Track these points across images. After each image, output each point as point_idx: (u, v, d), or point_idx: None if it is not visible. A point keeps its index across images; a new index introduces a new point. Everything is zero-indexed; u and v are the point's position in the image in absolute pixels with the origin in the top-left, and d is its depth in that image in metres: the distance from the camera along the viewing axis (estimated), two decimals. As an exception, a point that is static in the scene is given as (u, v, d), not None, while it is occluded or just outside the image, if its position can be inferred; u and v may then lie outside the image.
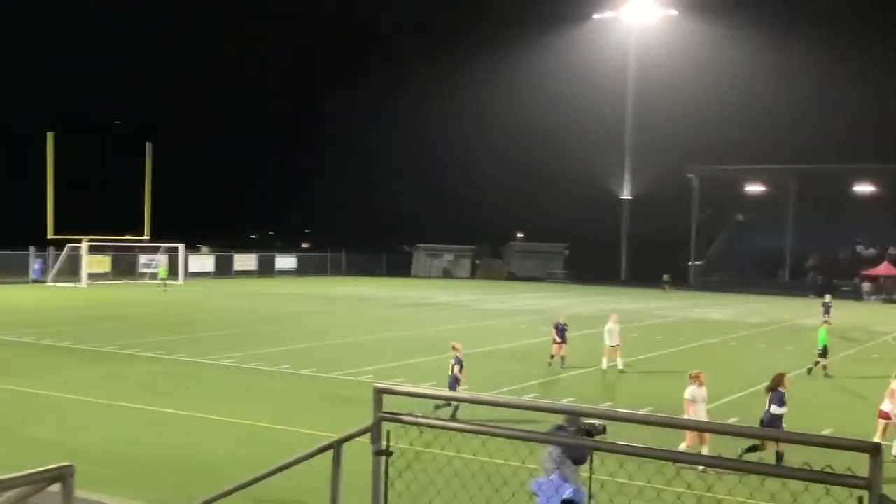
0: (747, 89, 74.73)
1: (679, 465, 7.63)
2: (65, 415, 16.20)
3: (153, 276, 57.40)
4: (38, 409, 16.63)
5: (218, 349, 25.01)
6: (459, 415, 15.24)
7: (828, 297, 38.26)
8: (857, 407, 19.27)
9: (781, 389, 13.75)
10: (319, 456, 5.96)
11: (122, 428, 15.14)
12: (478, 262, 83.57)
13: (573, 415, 6.52)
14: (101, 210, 70.82)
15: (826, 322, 25.13)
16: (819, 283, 64.75)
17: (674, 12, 74.74)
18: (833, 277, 65.00)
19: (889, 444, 14.18)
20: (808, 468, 3.92)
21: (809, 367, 23.88)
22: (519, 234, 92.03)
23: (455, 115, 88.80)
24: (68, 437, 14.31)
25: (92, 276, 54.94)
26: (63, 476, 4.58)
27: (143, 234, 56.89)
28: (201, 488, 9.54)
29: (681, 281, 71.10)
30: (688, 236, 75.83)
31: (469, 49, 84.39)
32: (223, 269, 67.01)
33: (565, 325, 23.86)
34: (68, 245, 54.89)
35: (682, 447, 13.11)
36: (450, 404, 15.24)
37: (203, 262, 66.74)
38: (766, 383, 14.16)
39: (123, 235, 58.48)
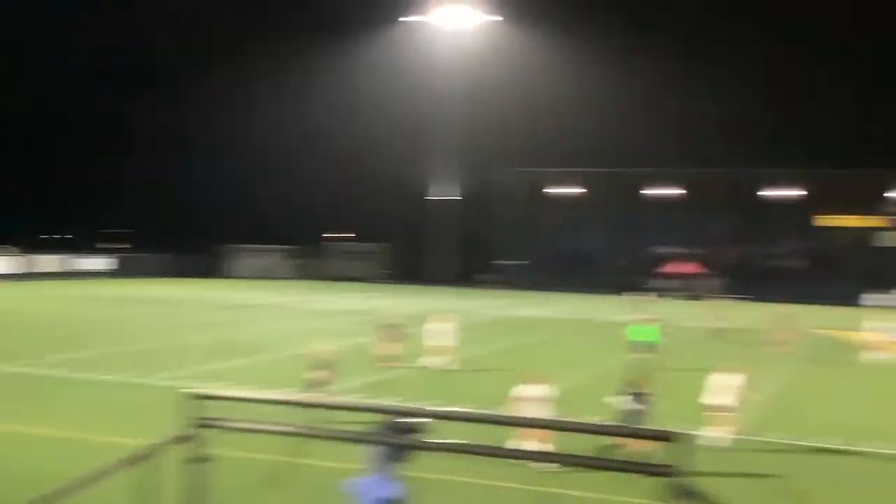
0: (565, 94, 77.53)
1: (532, 463, 7.71)
2: None
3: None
4: None
5: (12, 356, 23.37)
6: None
7: (648, 295, 40.38)
8: (685, 399, 20.36)
9: (642, 389, 14.25)
10: (132, 466, 5.69)
11: None
12: (299, 262, 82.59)
13: (397, 414, 6.58)
14: None
15: (649, 320, 26.00)
16: (626, 281, 68.53)
17: (498, 18, 76.32)
18: (638, 276, 68.81)
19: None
20: (615, 459, 4.13)
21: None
22: (341, 234, 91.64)
23: (279, 116, 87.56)
24: None
25: None
26: None
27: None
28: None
29: (499, 281, 73.28)
30: (505, 236, 78.23)
31: (291, 49, 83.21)
32: (28, 270, 63.02)
33: (394, 324, 24.01)
34: None
35: (525, 446, 13.29)
36: None
37: (7, 263, 62.46)
38: (625, 380, 14.55)
39: None
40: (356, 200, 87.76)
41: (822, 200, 73.40)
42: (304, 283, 71.04)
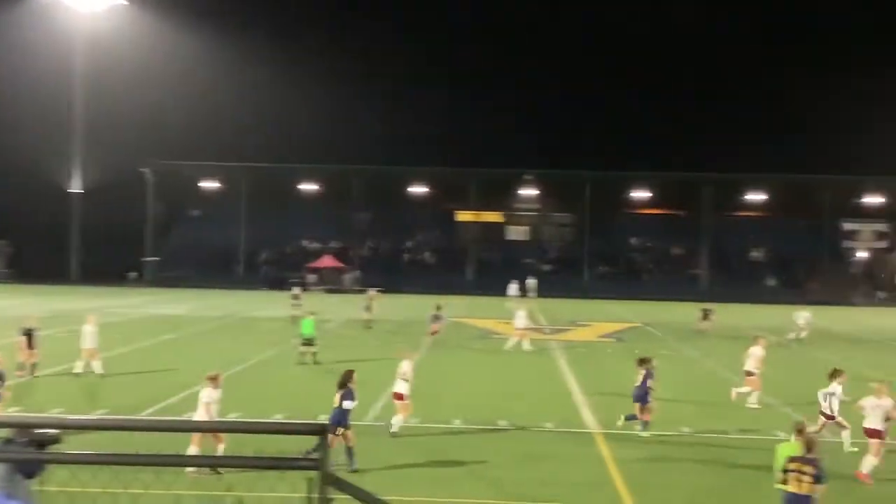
0: (203, 87, 75.36)
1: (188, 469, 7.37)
2: None
3: None
4: None
5: None
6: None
7: (297, 290, 40.58)
8: (361, 390, 20.28)
9: (351, 385, 14.14)
10: None
11: None
12: None
13: (24, 426, 6.06)
14: None
15: (309, 313, 26.45)
16: (271, 276, 68.90)
17: (123, 2, 71.72)
18: (283, 270, 69.22)
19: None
20: (264, 457, 4.13)
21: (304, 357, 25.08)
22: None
23: None
24: None
25: None
26: None
27: None
28: None
29: (144, 278, 70.08)
30: (143, 231, 74.69)
31: None
32: None
33: (34, 328, 21.94)
34: None
35: (192, 450, 13.00)
36: None
37: None
38: (339, 380, 14.32)
39: None
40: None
41: (457, 197, 78.64)
42: None
